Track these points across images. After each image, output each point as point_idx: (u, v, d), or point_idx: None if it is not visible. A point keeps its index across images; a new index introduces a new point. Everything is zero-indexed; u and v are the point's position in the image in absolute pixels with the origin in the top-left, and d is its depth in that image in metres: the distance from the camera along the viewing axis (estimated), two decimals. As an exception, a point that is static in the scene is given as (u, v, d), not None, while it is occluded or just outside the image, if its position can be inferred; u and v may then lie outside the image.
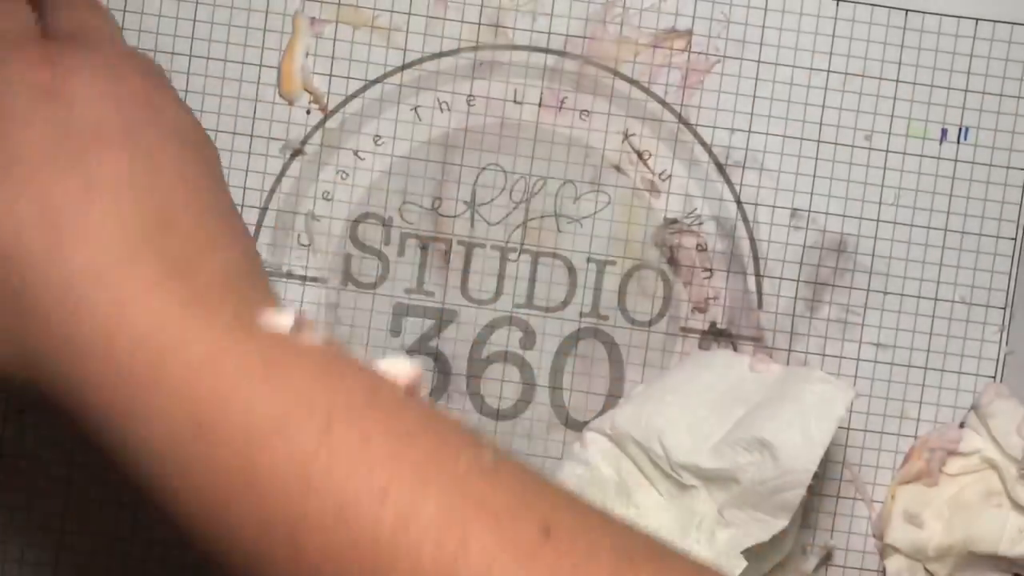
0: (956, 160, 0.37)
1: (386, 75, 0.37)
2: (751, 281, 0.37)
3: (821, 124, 0.37)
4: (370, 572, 0.18)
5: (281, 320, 0.21)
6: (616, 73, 0.37)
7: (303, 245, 0.37)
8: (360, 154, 0.37)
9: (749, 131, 0.37)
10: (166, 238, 0.22)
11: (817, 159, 0.37)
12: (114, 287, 0.21)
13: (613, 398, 0.37)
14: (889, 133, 0.37)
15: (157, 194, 0.23)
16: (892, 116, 0.37)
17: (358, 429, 0.19)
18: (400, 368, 0.22)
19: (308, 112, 0.37)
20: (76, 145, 0.23)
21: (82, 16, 0.28)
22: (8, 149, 0.23)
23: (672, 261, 0.37)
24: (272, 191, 0.37)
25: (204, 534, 0.20)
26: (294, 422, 0.19)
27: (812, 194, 0.37)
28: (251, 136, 0.37)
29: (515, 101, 0.37)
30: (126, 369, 0.21)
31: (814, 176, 0.37)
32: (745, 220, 0.37)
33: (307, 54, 0.36)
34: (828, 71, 0.37)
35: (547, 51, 0.37)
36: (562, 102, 0.37)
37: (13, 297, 0.22)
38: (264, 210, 0.37)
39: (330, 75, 0.36)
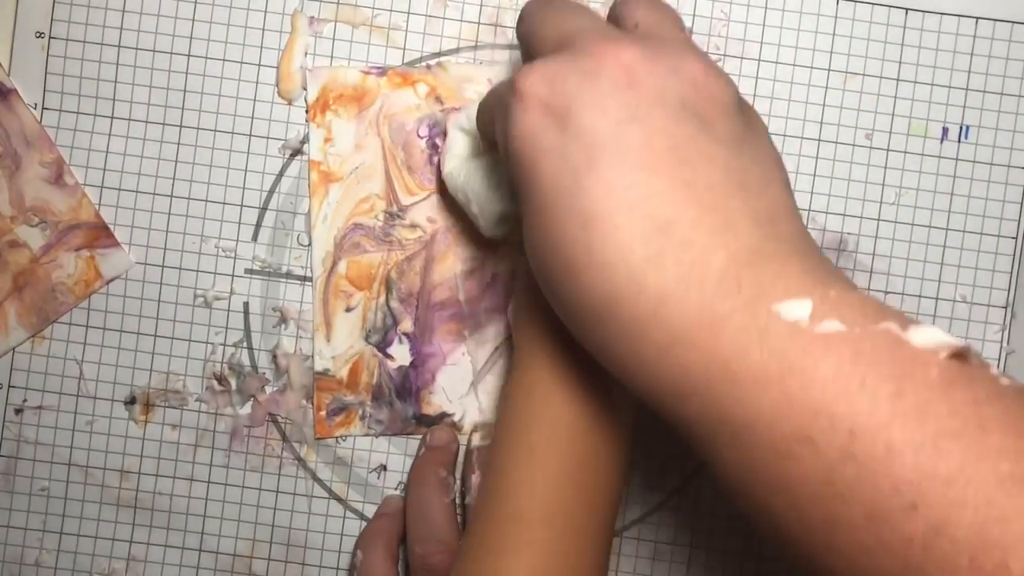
0: (957, 159, 0.37)
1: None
2: (751, 280, 0.37)
3: (822, 123, 0.37)
4: (901, 570, 0.19)
5: (796, 309, 0.21)
6: (616, 72, 0.36)
7: (302, 245, 0.37)
8: (359, 154, 0.37)
9: (749, 130, 0.36)
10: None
11: (818, 158, 0.37)
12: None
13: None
14: (890, 132, 0.37)
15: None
16: (893, 115, 0.37)
17: (882, 440, 0.19)
18: (935, 339, 0.20)
19: (307, 112, 0.36)
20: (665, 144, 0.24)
21: (657, 17, 0.28)
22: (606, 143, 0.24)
23: (672, 260, 0.37)
24: (272, 191, 0.37)
25: (753, 518, 0.22)
26: (816, 435, 0.20)
27: (812, 193, 0.37)
28: (250, 136, 0.36)
29: (515, 100, 0.37)
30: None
31: (814, 175, 0.37)
32: (745, 219, 0.37)
33: (306, 53, 0.36)
34: (829, 70, 0.36)
35: (547, 50, 0.36)
36: (562, 101, 0.37)
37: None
38: (264, 210, 0.37)
39: (329, 75, 0.36)
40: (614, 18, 0.29)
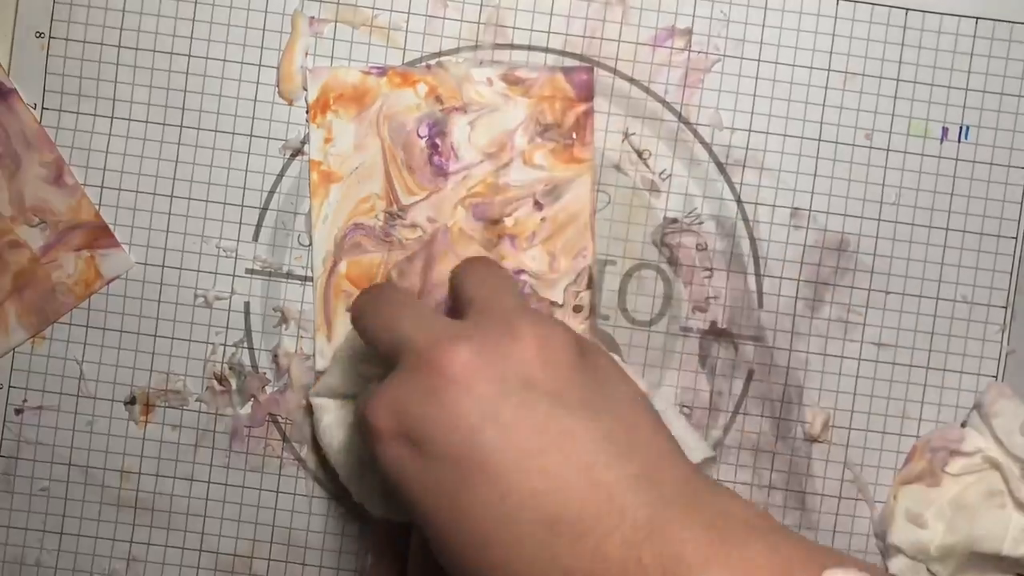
0: (957, 159, 0.37)
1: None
2: (751, 280, 0.37)
3: (822, 123, 0.37)
4: None
5: None
6: (616, 72, 0.36)
7: (303, 245, 0.37)
8: (360, 154, 0.37)
9: (749, 130, 0.37)
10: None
11: (818, 158, 0.37)
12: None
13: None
14: (890, 132, 0.37)
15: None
16: (893, 115, 0.37)
17: None
18: None
19: (308, 112, 0.36)
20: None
21: (490, 287, 0.29)
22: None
23: (672, 261, 0.37)
24: (272, 191, 0.37)
25: None
26: None
27: (813, 193, 0.37)
28: (251, 136, 0.36)
29: (515, 101, 0.37)
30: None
31: (815, 175, 0.37)
32: (745, 219, 0.37)
33: (306, 54, 0.36)
34: (828, 70, 0.36)
35: (547, 50, 0.36)
36: (562, 101, 0.37)
37: None
38: (264, 210, 0.37)
39: (330, 75, 0.36)
40: (451, 288, 0.30)
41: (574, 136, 0.36)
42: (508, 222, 0.36)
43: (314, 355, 0.37)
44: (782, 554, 0.22)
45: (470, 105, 0.36)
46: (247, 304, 0.37)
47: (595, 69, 0.36)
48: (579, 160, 0.36)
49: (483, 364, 0.25)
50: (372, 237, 0.36)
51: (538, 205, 0.36)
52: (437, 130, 0.36)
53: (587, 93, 0.36)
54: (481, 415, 0.24)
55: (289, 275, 0.37)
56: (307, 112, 0.36)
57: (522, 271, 0.36)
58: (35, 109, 0.36)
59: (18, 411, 0.37)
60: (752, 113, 0.37)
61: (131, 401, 0.37)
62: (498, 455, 0.24)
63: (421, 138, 0.36)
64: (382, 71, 0.36)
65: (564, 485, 0.23)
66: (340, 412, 0.35)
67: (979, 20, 0.36)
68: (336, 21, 0.36)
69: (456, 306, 0.29)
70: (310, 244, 0.37)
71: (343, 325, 0.37)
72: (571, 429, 0.24)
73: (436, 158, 0.36)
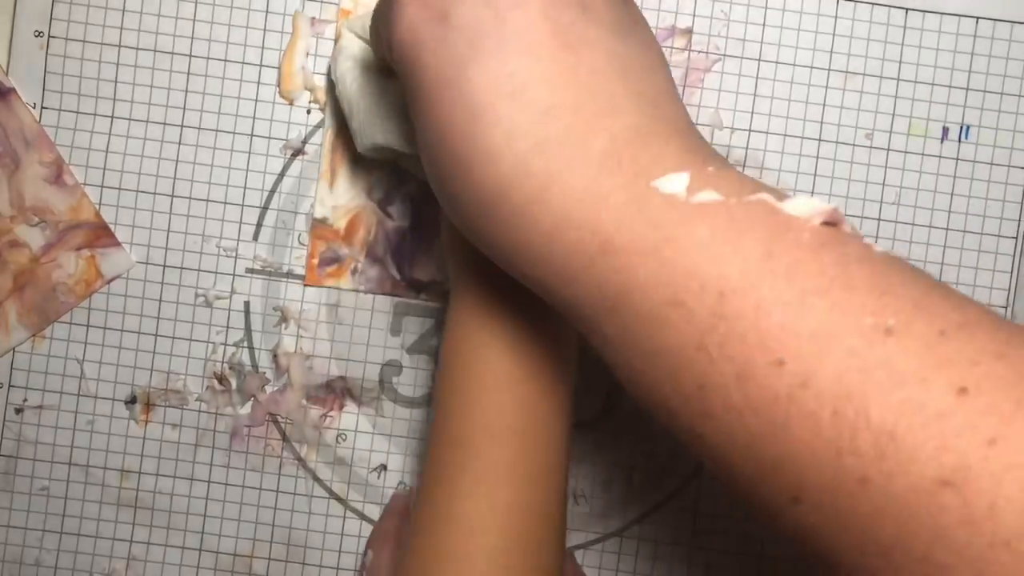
0: (957, 159, 0.37)
1: (386, 74, 0.37)
2: (752, 280, 0.37)
3: (822, 123, 0.37)
4: (768, 431, 0.19)
5: (674, 183, 0.22)
6: (616, 72, 0.36)
7: (303, 245, 0.37)
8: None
9: (750, 130, 0.37)
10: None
11: (818, 158, 0.37)
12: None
13: (614, 397, 0.37)
14: (890, 132, 0.37)
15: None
16: (893, 115, 0.37)
17: (751, 299, 0.20)
18: (809, 206, 0.21)
19: (308, 112, 0.36)
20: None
21: None
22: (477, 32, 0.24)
23: (673, 260, 0.37)
24: (273, 191, 0.37)
25: (636, 395, 0.23)
26: (689, 299, 0.20)
27: (813, 192, 0.37)
28: (251, 136, 0.36)
29: (515, 100, 0.37)
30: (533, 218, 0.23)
31: (815, 175, 0.37)
32: (746, 219, 0.37)
33: (307, 54, 0.36)
34: (829, 70, 0.36)
35: (547, 50, 0.36)
36: (562, 101, 0.37)
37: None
38: (264, 209, 0.37)
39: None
40: None
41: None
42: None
43: (314, 201, 0.36)
44: (751, 180, 0.22)
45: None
46: (247, 304, 0.37)
47: None
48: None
49: None
50: None
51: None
52: None
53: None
54: (514, 1, 0.24)
55: (289, 275, 0.37)
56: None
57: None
58: (35, 108, 0.36)
59: (18, 410, 0.37)
60: (752, 113, 0.37)
61: (131, 400, 0.37)
62: (516, 39, 0.23)
63: None
64: None
65: (569, 81, 0.23)
66: (364, 52, 0.34)
67: (979, 20, 0.36)
68: (337, 22, 0.36)
69: None
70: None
71: (348, 175, 0.36)
72: (594, 39, 0.24)
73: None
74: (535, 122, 0.23)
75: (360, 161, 0.36)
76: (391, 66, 0.27)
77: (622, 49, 0.24)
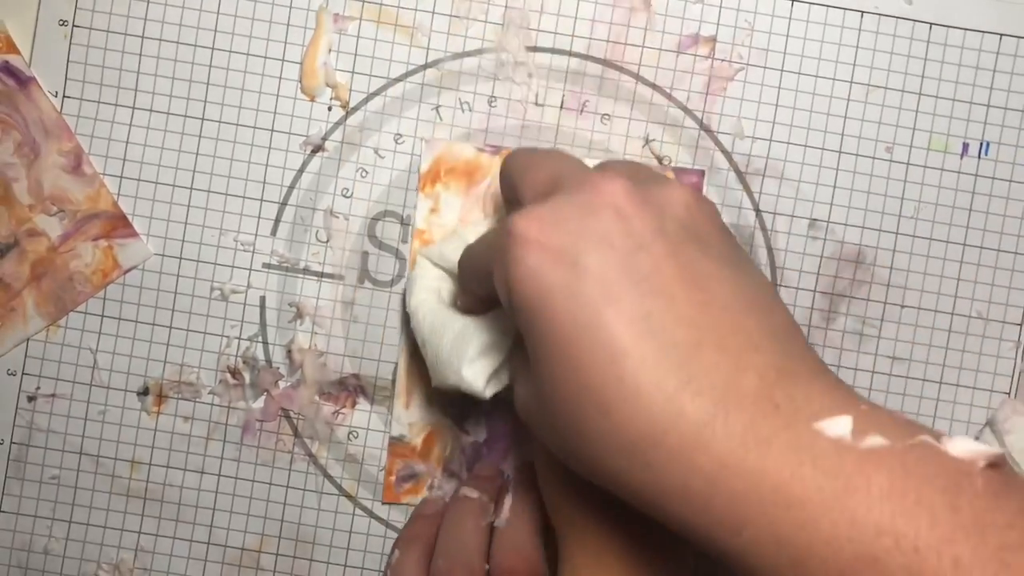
0: (976, 175, 0.37)
1: (408, 73, 0.37)
2: (768, 290, 0.37)
3: (842, 135, 0.37)
4: None
5: (838, 426, 0.21)
6: (638, 78, 0.36)
7: (321, 241, 0.37)
8: (380, 152, 0.37)
9: (770, 140, 0.37)
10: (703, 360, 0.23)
11: (837, 170, 0.37)
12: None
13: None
14: (910, 146, 0.37)
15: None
16: (914, 129, 0.37)
17: (948, 556, 0.19)
18: (971, 449, 0.21)
19: (330, 109, 0.36)
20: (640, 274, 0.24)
21: (637, 167, 0.29)
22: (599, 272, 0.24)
23: (689, 268, 0.37)
24: (292, 187, 0.37)
25: None
26: (882, 555, 0.20)
27: (831, 205, 0.37)
28: (271, 131, 0.36)
29: (536, 103, 0.37)
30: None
31: (834, 187, 0.37)
32: (763, 229, 0.37)
33: (330, 50, 0.36)
34: (851, 82, 0.36)
35: (570, 54, 0.36)
36: (583, 105, 0.37)
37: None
38: (283, 205, 0.37)
39: (352, 72, 0.36)
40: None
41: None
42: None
43: (391, 420, 0.37)
44: (903, 417, 0.22)
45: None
46: (263, 298, 0.37)
47: (705, 172, 0.36)
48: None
49: (643, 201, 0.25)
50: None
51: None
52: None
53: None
54: (638, 242, 0.24)
55: (306, 271, 0.37)
56: (418, 181, 0.36)
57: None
58: (56, 97, 0.36)
59: (31, 398, 0.37)
60: (773, 123, 0.37)
61: (144, 392, 0.37)
62: (646, 280, 0.24)
63: None
64: (496, 150, 0.36)
65: (707, 319, 0.23)
66: (439, 282, 0.34)
67: (1003, 37, 0.36)
68: (361, 19, 0.36)
69: (531, 193, 0.28)
70: (328, 240, 0.37)
71: (424, 393, 0.37)
72: (719, 276, 0.24)
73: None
74: (681, 362, 0.23)
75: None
76: (485, 310, 0.28)
77: (744, 281, 0.25)
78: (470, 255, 0.30)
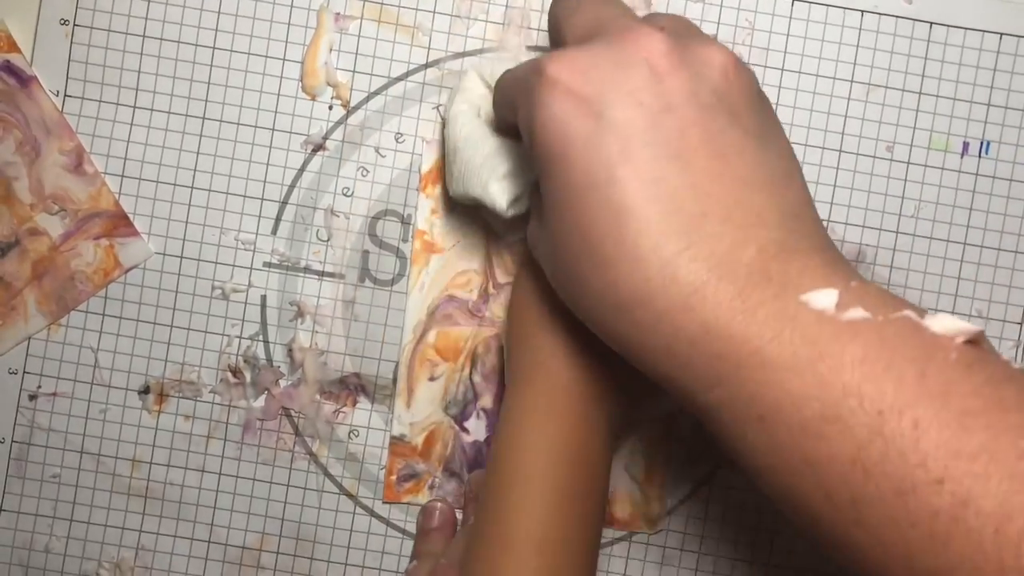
0: (977, 174, 0.37)
1: (409, 73, 0.37)
2: (768, 289, 0.37)
3: (843, 134, 0.37)
4: (928, 545, 0.20)
5: (823, 299, 0.22)
6: (639, 77, 0.36)
7: (322, 240, 0.37)
8: (381, 151, 0.37)
9: (770, 139, 0.37)
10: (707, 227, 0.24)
11: (838, 169, 0.37)
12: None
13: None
14: (911, 145, 0.37)
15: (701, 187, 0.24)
16: (914, 128, 0.37)
17: (909, 418, 0.20)
18: (952, 326, 0.22)
19: (330, 108, 0.37)
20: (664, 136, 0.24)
21: (682, 23, 0.29)
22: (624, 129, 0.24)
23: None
24: (292, 185, 0.37)
25: (779, 499, 0.23)
26: (845, 414, 0.21)
27: (832, 204, 0.37)
28: (272, 130, 0.37)
29: (537, 102, 0.37)
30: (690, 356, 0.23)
31: (834, 186, 0.37)
32: (764, 228, 0.37)
33: (331, 50, 0.36)
34: (851, 81, 0.37)
35: (571, 53, 0.36)
36: (584, 105, 0.37)
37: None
38: (284, 204, 0.37)
39: (353, 71, 0.36)
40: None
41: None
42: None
43: (392, 419, 0.37)
44: (891, 295, 0.23)
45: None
46: (263, 297, 0.37)
47: None
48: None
49: (680, 61, 0.25)
50: (464, 311, 0.37)
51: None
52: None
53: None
54: (667, 103, 0.24)
55: (307, 270, 0.37)
56: (419, 181, 0.36)
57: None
58: (57, 96, 0.36)
59: (32, 397, 0.37)
60: (774, 122, 0.37)
61: (145, 390, 0.37)
62: (668, 144, 0.24)
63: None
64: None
65: (719, 190, 0.24)
66: (484, 101, 0.34)
67: (1003, 36, 0.37)
68: (362, 18, 0.36)
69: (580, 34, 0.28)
70: (328, 239, 0.37)
71: (424, 393, 0.37)
72: (742, 148, 0.24)
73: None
74: (683, 229, 0.23)
75: (435, 379, 0.37)
76: (520, 138, 0.27)
77: (765, 157, 0.25)
78: (506, 82, 0.30)
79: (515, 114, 0.28)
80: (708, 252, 0.23)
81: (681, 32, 0.27)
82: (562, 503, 0.29)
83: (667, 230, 0.23)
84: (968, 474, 0.19)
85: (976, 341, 0.22)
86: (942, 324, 0.22)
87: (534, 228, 0.30)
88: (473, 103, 0.33)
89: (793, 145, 0.36)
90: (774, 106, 0.36)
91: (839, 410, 0.21)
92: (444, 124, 0.34)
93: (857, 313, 0.22)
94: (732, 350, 0.22)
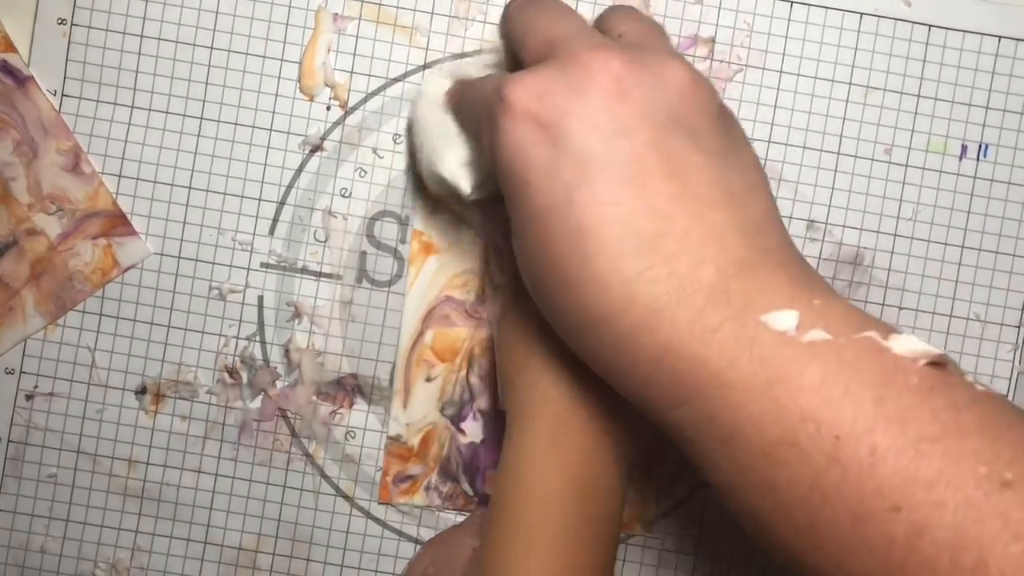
0: (975, 177, 0.37)
1: (407, 74, 0.37)
2: (766, 291, 0.37)
3: (841, 136, 0.37)
4: (884, 572, 0.20)
5: (783, 320, 0.22)
6: (637, 79, 0.36)
7: (319, 241, 0.37)
8: (379, 152, 0.37)
9: (769, 141, 0.37)
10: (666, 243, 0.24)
11: (836, 171, 0.37)
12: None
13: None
14: (909, 148, 0.37)
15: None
16: (912, 131, 0.37)
17: (866, 444, 0.20)
18: (914, 347, 0.21)
19: (328, 108, 0.36)
20: (628, 153, 0.24)
21: (641, 28, 0.28)
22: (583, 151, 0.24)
23: (687, 269, 0.37)
24: (290, 186, 0.37)
25: (741, 519, 0.23)
26: (803, 440, 0.21)
27: (830, 206, 0.37)
28: (270, 131, 0.36)
29: (535, 104, 0.37)
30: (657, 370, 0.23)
31: (832, 188, 0.37)
32: (762, 230, 0.37)
33: (329, 50, 0.36)
34: (850, 84, 0.37)
35: (569, 55, 0.36)
36: (582, 106, 0.37)
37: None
38: (281, 205, 0.37)
39: (351, 72, 0.36)
40: (599, 29, 0.29)
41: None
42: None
43: (388, 419, 0.37)
44: (856, 313, 0.23)
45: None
46: (261, 298, 0.37)
47: None
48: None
49: (635, 83, 0.25)
50: (461, 312, 0.37)
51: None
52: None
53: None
54: (622, 126, 0.24)
55: (304, 270, 0.37)
56: (418, 182, 0.36)
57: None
58: (55, 96, 0.36)
59: (29, 397, 0.37)
60: (772, 124, 0.37)
61: (141, 391, 0.37)
62: (623, 168, 0.24)
63: None
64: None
65: (676, 210, 0.24)
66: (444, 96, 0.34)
67: (1001, 39, 0.37)
68: (360, 19, 0.36)
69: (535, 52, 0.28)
70: (326, 240, 0.37)
71: (421, 394, 0.37)
72: (699, 166, 0.24)
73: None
74: (641, 251, 0.23)
75: (432, 380, 0.37)
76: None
77: (724, 174, 0.25)
78: (471, 100, 0.30)
79: (480, 134, 0.28)
80: (667, 273, 0.23)
81: (640, 42, 0.27)
82: (565, 554, 0.29)
83: (625, 252, 0.23)
84: (924, 502, 0.19)
85: (940, 363, 0.21)
86: (904, 346, 0.21)
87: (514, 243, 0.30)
88: (438, 103, 0.34)
89: (790, 147, 0.37)
90: (772, 108, 0.36)
91: (797, 435, 0.21)
92: (410, 130, 0.34)
93: (817, 335, 0.22)
94: (692, 372, 0.22)
